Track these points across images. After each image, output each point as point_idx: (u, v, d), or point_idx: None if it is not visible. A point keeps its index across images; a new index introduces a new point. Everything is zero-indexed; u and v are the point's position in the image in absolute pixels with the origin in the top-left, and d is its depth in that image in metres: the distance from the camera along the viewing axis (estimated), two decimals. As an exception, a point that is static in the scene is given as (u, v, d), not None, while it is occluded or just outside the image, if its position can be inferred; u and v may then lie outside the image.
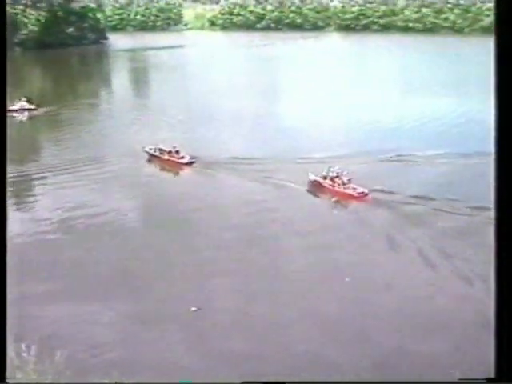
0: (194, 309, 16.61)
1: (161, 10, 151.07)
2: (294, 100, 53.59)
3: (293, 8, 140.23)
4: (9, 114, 43.67)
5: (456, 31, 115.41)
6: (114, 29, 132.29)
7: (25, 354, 9.72)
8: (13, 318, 14.58)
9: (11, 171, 29.59)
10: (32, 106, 44.79)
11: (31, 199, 27.65)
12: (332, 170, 26.78)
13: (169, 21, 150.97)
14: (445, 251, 20.46)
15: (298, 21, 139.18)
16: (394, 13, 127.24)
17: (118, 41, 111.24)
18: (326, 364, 14.89)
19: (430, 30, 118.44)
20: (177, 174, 31.32)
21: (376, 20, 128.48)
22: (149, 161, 32.93)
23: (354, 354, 15.28)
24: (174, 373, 14.10)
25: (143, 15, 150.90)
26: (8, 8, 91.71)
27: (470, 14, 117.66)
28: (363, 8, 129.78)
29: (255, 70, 73.44)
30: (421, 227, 22.85)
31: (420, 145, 34.42)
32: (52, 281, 18.49)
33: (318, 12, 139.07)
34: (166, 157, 32.05)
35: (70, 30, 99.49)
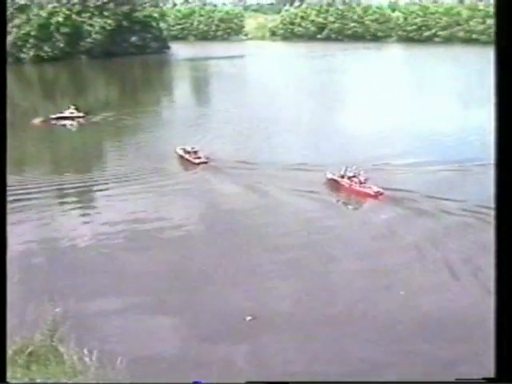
0: (249, 318, 16.40)
1: (222, 19, 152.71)
2: (356, 109, 53.20)
3: (354, 18, 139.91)
4: (59, 122, 44.54)
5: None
6: (176, 38, 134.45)
7: (87, 359, 9.61)
8: (75, 323, 14.64)
9: (76, 180, 29.83)
10: (80, 114, 45.25)
11: (96, 210, 27.10)
12: (349, 169, 27.57)
13: (230, 31, 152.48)
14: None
15: (360, 31, 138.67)
16: (457, 23, 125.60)
17: (179, 50, 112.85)
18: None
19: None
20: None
21: (439, 31, 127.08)
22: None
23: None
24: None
25: (205, 25, 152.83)
26: (74, 16, 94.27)
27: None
28: (426, 19, 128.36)
29: (315, 79, 73.18)
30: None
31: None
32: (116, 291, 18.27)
33: (379, 23, 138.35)
34: (186, 156, 33.36)
35: (134, 39, 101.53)
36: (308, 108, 52.90)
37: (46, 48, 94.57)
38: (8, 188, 25.09)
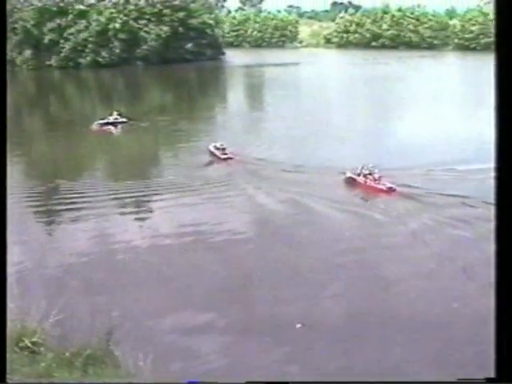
0: (299, 325, 16.43)
1: (276, 26, 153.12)
2: (409, 116, 52.84)
3: (410, 27, 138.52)
4: (106, 127, 45.24)
5: None
6: (231, 45, 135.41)
7: (141, 363, 9.94)
8: (132, 327, 15.11)
9: (134, 188, 29.96)
10: (124, 119, 45.93)
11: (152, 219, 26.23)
12: (365, 167, 28.75)
13: (284, 38, 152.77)
14: None
15: (415, 40, 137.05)
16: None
17: (234, 57, 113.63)
18: None
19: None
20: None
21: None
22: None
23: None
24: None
25: (259, 31, 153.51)
26: (131, 22, 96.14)
27: None
28: (484, 26, 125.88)
29: (368, 87, 72.88)
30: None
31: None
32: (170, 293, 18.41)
33: (435, 31, 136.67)
34: (217, 153, 35.00)
35: (189, 45, 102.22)
36: (361, 114, 52.84)
37: (103, 54, 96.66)
38: (66, 193, 25.72)
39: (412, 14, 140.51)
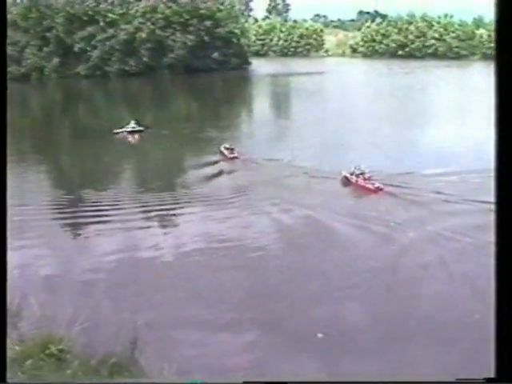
0: (320, 335, 16.42)
1: (302, 36, 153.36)
2: (436, 125, 52.58)
3: (436, 36, 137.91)
4: (124, 136, 45.45)
5: None
6: (257, 54, 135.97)
7: (165, 372, 10.13)
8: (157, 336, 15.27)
9: (156, 200, 29.82)
10: (141, 128, 46.09)
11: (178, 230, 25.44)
12: (358, 168, 30.32)
13: (309, 47, 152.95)
14: None
15: (441, 49, 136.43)
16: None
17: (259, 66, 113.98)
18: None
19: None
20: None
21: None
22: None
23: None
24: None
25: (285, 41, 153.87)
26: (158, 31, 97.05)
27: None
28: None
29: (394, 97, 72.73)
30: None
31: None
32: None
33: (462, 40, 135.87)
34: (225, 152, 37.55)
35: (216, 54, 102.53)
36: (386, 122, 52.77)
37: (130, 62, 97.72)
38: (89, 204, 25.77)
39: (438, 23, 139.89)
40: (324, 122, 53.55)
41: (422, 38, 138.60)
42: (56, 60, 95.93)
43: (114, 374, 9.30)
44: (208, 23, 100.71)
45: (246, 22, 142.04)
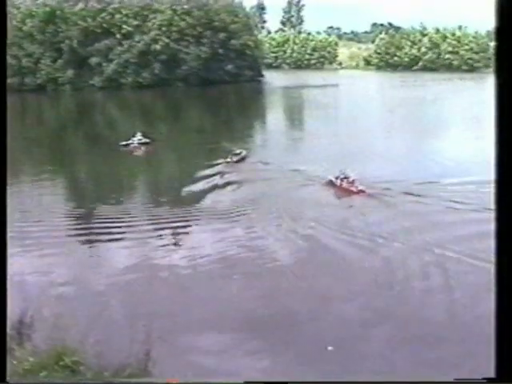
0: (330, 348, 16.36)
1: (315, 48, 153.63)
2: (448, 137, 52.55)
3: (449, 48, 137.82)
4: (127, 149, 45.29)
5: None
6: (270, 66, 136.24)
7: None
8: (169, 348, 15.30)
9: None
10: (147, 140, 45.96)
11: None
12: (343, 172, 31.49)
13: (323, 59, 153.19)
14: None
15: (455, 62, 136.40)
16: None
17: (273, 78, 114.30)
18: None
19: None
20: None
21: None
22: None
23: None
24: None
25: (298, 53, 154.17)
26: (172, 44, 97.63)
27: None
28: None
29: (406, 109, 72.83)
30: None
31: None
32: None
33: (475, 53, 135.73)
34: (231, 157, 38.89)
35: (229, 67, 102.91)
36: (399, 135, 52.79)
37: (144, 74, 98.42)
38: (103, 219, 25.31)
39: (453, 35, 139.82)
40: (339, 133, 53.64)
41: (436, 50, 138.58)
42: (71, 72, 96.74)
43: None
44: (222, 35, 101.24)
45: (260, 33, 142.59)
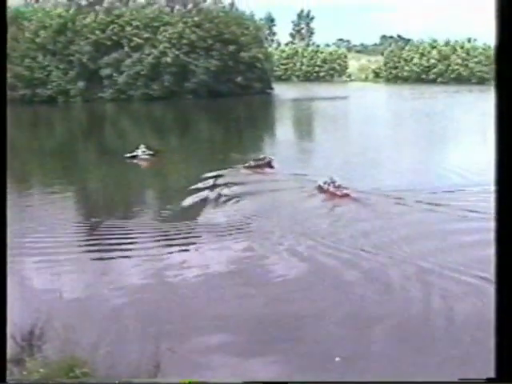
0: (337, 359, 16.24)
1: (325, 60, 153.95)
2: (454, 147, 52.64)
3: (458, 61, 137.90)
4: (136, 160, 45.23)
5: None
6: (279, 79, 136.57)
7: None
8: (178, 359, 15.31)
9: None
10: (151, 152, 45.80)
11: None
12: (331, 178, 32.58)
13: (332, 72, 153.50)
14: None
15: (464, 74, 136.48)
16: None
17: (282, 91, 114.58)
18: None
19: None
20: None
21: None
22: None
23: None
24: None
25: (308, 65, 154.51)
26: (182, 56, 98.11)
27: None
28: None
29: (414, 121, 72.99)
30: None
31: None
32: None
33: (485, 65, 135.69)
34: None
35: (239, 79, 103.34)
36: (407, 148, 52.83)
37: (154, 87, 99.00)
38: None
39: (462, 47, 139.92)
40: (349, 144, 53.72)
41: (445, 62, 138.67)
42: (81, 84, 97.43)
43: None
44: (232, 48, 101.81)
45: (270, 46, 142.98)
